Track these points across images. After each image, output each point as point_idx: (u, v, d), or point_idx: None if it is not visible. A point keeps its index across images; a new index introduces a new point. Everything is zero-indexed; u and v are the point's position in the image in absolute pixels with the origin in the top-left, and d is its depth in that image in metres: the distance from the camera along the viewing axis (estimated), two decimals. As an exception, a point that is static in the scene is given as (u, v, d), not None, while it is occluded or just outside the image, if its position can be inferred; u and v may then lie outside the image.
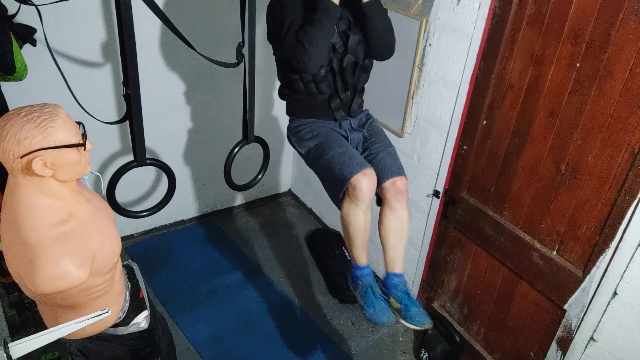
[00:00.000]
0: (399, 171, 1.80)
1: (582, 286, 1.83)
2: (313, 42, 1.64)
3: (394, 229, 1.81)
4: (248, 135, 2.40)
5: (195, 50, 2.06)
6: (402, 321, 1.77)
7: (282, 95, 1.99)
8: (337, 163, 1.73)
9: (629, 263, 1.65)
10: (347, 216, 1.77)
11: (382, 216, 1.82)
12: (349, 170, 1.68)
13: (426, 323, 1.74)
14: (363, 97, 1.96)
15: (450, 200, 2.33)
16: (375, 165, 1.78)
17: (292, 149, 3.54)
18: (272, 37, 1.83)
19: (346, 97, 1.84)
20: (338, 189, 1.74)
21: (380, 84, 2.59)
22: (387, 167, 1.78)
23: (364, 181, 1.66)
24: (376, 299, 1.77)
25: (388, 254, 1.85)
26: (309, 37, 1.64)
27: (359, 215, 1.73)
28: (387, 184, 1.76)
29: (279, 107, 3.37)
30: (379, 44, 1.84)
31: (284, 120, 3.47)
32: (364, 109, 2.01)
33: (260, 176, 2.62)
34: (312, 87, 1.80)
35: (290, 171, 3.67)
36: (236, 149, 2.40)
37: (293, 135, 1.95)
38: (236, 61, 2.18)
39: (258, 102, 3.14)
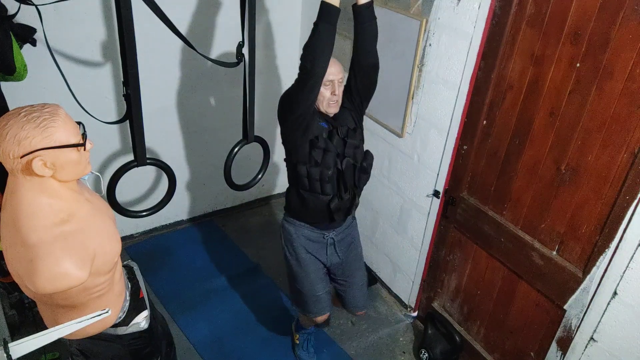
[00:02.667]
0: (365, 306, 2.32)
1: (582, 286, 1.83)
2: (316, 46, 1.75)
3: None
4: (248, 135, 2.40)
5: (195, 50, 2.06)
6: (295, 352, 2.54)
7: (287, 192, 2.13)
8: (305, 295, 2.13)
9: (629, 263, 1.65)
10: (303, 320, 2.37)
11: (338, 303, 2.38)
12: (314, 310, 2.15)
13: None
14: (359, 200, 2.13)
15: (450, 200, 2.33)
16: (346, 296, 2.25)
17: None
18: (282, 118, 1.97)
19: (346, 198, 2.00)
20: (298, 307, 2.23)
21: (380, 84, 2.58)
22: (356, 302, 2.27)
23: (321, 320, 2.22)
24: (309, 347, 2.51)
25: None
26: (312, 43, 1.75)
27: (312, 322, 2.30)
28: (351, 311, 2.33)
29: (279, 107, 3.37)
30: (367, 52, 1.93)
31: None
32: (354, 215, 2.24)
33: (260, 176, 2.62)
34: (317, 186, 1.94)
35: (290, 171, 3.67)
36: (236, 149, 2.40)
37: (283, 232, 2.15)
38: (236, 61, 2.18)
39: (258, 102, 3.14)
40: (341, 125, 1.96)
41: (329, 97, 1.89)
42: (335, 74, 1.88)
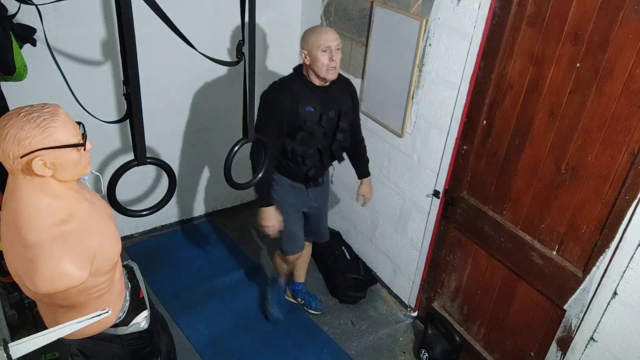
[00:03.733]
0: (325, 237, 2.64)
1: (582, 286, 1.83)
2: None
3: (306, 254, 2.72)
4: (248, 134, 2.40)
5: (195, 49, 2.05)
6: (308, 311, 2.82)
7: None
8: (285, 235, 2.37)
9: (629, 263, 1.65)
10: (278, 263, 2.63)
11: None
12: (291, 248, 2.44)
13: (322, 309, 2.82)
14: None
15: (450, 200, 2.33)
16: (314, 228, 2.54)
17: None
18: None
19: (323, 168, 2.33)
20: (281, 249, 2.49)
21: (380, 84, 2.59)
22: (320, 233, 2.59)
23: (294, 259, 2.53)
24: (280, 303, 2.73)
25: (298, 269, 2.75)
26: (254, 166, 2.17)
27: (285, 266, 2.62)
28: (314, 239, 2.65)
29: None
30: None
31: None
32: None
33: (260, 174, 2.61)
34: (298, 160, 2.18)
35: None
36: (236, 148, 2.40)
37: (274, 183, 2.33)
38: (236, 59, 2.18)
39: (258, 101, 3.14)
40: (331, 109, 2.13)
41: (327, 64, 2.01)
42: (332, 40, 2.01)
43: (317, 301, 2.83)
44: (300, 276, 2.80)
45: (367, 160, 2.51)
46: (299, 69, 2.17)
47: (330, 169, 2.46)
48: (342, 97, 2.20)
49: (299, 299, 2.83)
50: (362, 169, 2.50)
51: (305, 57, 2.06)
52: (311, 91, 2.10)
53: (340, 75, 2.19)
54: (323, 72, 2.03)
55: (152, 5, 1.79)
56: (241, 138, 2.41)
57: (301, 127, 2.08)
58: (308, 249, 2.70)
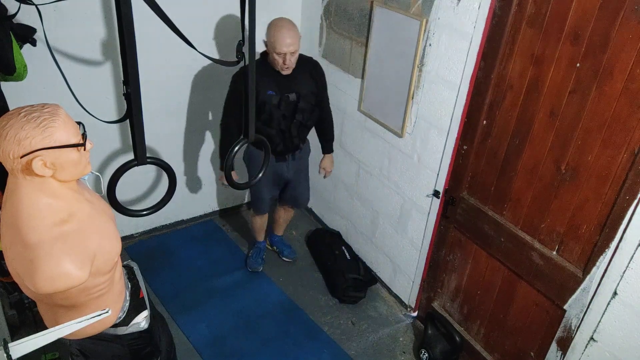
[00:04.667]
0: (303, 204, 3.01)
1: (582, 286, 1.83)
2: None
3: (286, 216, 3.10)
4: (249, 134, 2.39)
5: (195, 49, 2.05)
6: (283, 258, 3.18)
7: None
8: (253, 196, 2.85)
9: (629, 263, 1.65)
10: (252, 220, 3.08)
11: (281, 210, 3.05)
12: (255, 208, 2.91)
13: (295, 256, 3.19)
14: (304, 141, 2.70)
15: (450, 200, 2.33)
16: (290, 195, 2.86)
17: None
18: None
19: (291, 144, 2.55)
20: (252, 208, 2.99)
21: (380, 84, 2.59)
22: (297, 200, 2.92)
23: (261, 218, 3.00)
24: (258, 258, 3.09)
25: (277, 225, 3.16)
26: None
27: (257, 220, 3.02)
28: (292, 204, 2.98)
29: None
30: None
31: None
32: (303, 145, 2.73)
33: (260, 174, 2.61)
34: (265, 136, 2.24)
35: (290, 171, 3.68)
36: (237, 147, 2.40)
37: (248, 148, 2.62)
38: (236, 59, 2.18)
39: (258, 102, 3.14)
40: (291, 91, 2.37)
41: (281, 65, 2.26)
42: (288, 46, 2.20)
43: (290, 250, 3.18)
44: (278, 230, 3.18)
45: (332, 138, 2.80)
46: (264, 54, 2.37)
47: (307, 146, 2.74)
48: (303, 80, 2.42)
49: (274, 247, 3.21)
50: (325, 145, 2.81)
51: (266, 47, 2.30)
52: (272, 76, 2.33)
53: (305, 59, 2.46)
54: (277, 68, 2.30)
55: (152, 5, 1.79)
56: (242, 138, 2.41)
57: (260, 109, 2.32)
58: (289, 212, 3.06)
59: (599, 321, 1.79)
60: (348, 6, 2.68)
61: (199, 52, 2.08)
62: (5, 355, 1.00)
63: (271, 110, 2.37)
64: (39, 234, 1.18)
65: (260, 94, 2.29)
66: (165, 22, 1.87)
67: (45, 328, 1.16)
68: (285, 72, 2.31)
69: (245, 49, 2.16)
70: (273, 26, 2.27)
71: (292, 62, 2.28)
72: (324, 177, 2.98)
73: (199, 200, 3.38)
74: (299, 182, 2.80)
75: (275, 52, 2.24)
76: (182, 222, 3.39)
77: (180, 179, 3.13)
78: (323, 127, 2.74)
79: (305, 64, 2.46)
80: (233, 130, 2.42)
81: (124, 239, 3.09)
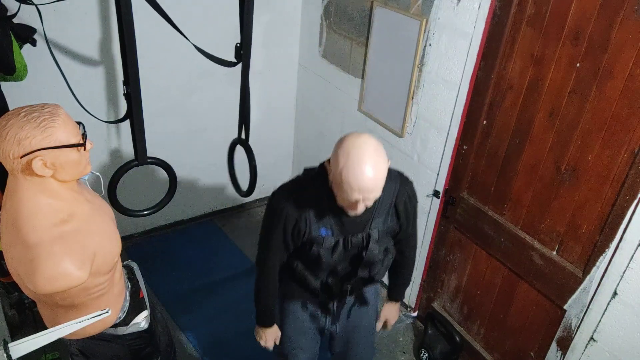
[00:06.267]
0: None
1: (582, 286, 1.83)
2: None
3: None
4: (243, 136, 2.40)
5: (195, 46, 2.06)
6: None
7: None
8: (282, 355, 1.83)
9: (629, 263, 1.65)
10: None
11: None
12: None
13: None
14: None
15: (450, 200, 2.33)
16: (343, 357, 1.89)
17: (292, 148, 3.49)
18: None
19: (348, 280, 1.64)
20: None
21: (380, 84, 2.59)
22: None
23: None
24: None
25: None
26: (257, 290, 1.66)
27: None
28: None
29: (279, 106, 3.37)
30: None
31: (283, 120, 3.47)
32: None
33: (250, 180, 2.58)
34: (303, 282, 1.64)
35: (290, 171, 3.67)
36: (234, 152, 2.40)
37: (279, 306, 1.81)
38: (234, 61, 2.19)
39: (258, 101, 3.14)
40: (356, 232, 1.51)
41: (348, 206, 1.42)
42: (366, 193, 1.33)
43: None
44: None
45: (407, 283, 1.89)
46: (323, 170, 1.46)
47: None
48: (381, 211, 1.53)
49: None
50: (394, 290, 1.89)
51: (327, 172, 1.42)
52: (332, 209, 1.47)
53: (391, 176, 1.49)
54: (344, 207, 1.44)
55: (152, 4, 1.80)
56: (236, 137, 2.39)
57: (307, 249, 1.53)
58: None
59: (599, 321, 1.79)
60: (348, 6, 2.68)
61: (198, 49, 2.08)
62: (5, 355, 1.00)
63: (319, 255, 1.52)
64: (39, 234, 1.18)
65: (308, 229, 1.49)
66: (166, 19, 1.87)
67: (45, 328, 1.16)
68: (351, 214, 1.45)
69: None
70: (345, 154, 1.30)
71: (363, 209, 1.40)
72: (382, 329, 1.97)
73: (198, 200, 3.38)
74: (356, 343, 1.85)
75: (341, 193, 1.36)
76: (182, 222, 3.39)
77: (180, 179, 3.12)
78: (399, 270, 1.81)
79: (390, 188, 1.49)
80: (274, 275, 1.61)
81: (124, 239, 3.08)
